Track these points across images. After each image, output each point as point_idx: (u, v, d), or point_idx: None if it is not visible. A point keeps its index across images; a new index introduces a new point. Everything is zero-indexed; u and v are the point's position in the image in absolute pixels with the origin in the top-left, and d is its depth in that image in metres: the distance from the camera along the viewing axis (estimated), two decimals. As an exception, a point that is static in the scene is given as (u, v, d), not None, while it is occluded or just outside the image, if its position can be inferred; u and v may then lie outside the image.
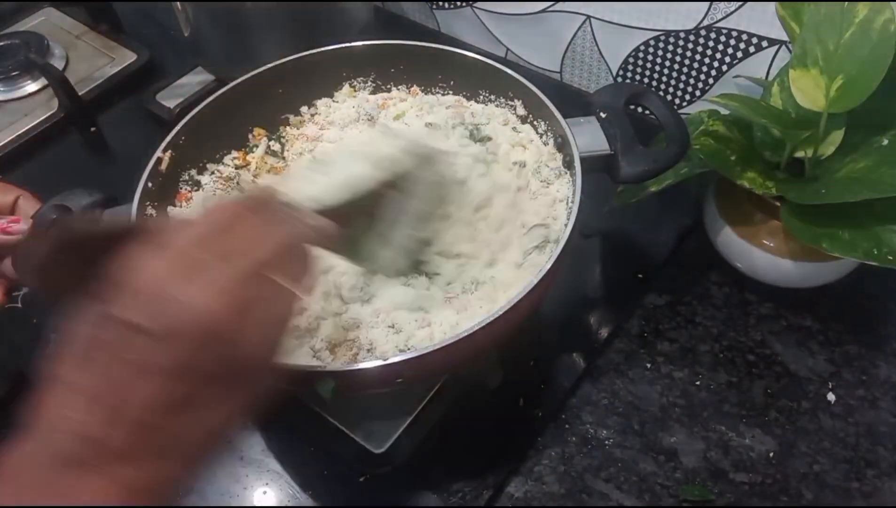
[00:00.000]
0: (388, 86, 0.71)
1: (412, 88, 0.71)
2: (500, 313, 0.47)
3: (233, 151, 0.67)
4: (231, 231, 0.35)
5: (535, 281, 0.49)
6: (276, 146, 0.69)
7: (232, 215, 0.35)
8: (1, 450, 0.31)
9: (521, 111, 0.66)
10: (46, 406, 0.32)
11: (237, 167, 0.67)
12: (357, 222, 0.48)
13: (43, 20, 1.02)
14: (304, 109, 0.71)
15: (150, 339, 0.31)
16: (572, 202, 0.55)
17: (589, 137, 0.58)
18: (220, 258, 0.33)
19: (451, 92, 0.70)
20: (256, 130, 0.68)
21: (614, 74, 0.84)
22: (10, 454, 0.31)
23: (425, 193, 0.51)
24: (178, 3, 0.80)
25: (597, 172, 0.59)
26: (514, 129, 0.66)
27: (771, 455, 0.57)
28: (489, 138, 0.64)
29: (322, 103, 0.71)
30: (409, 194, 0.50)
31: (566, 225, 0.52)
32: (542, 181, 0.61)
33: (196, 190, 0.64)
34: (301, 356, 0.52)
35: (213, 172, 0.66)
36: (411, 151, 0.50)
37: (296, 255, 0.37)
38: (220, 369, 0.33)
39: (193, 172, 0.65)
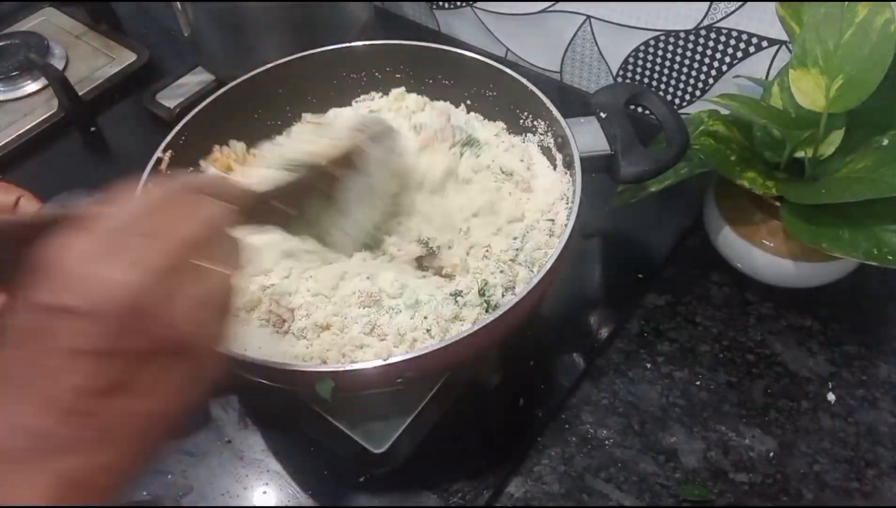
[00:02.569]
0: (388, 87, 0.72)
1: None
2: (501, 313, 0.47)
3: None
4: (156, 212, 0.35)
5: (535, 281, 0.49)
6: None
7: (158, 198, 0.35)
8: None
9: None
10: None
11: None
12: (313, 202, 0.49)
13: (43, 20, 1.02)
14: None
15: (76, 319, 0.30)
16: (572, 202, 0.55)
17: (589, 137, 0.59)
18: (143, 237, 0.33)
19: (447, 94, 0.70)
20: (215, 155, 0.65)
21: (614, 74, 0.84)
22: None
23: (379, 170, 0.52)
24: (178, 3, 0.80)
25: (597, 172, 0.59)
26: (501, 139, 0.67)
27: (771, 455, 0.57)
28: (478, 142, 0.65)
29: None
30: (364, 172, 0.51)
31: (566, 225, 0.52)
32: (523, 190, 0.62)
33: None
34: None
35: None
36: (363, 127, 0.51)
37: (222, 235, 0.37)
38: (151, 348, 0.32)
39: (193, 172, 0.65)
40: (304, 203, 0.48)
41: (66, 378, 0.30)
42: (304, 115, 0.70)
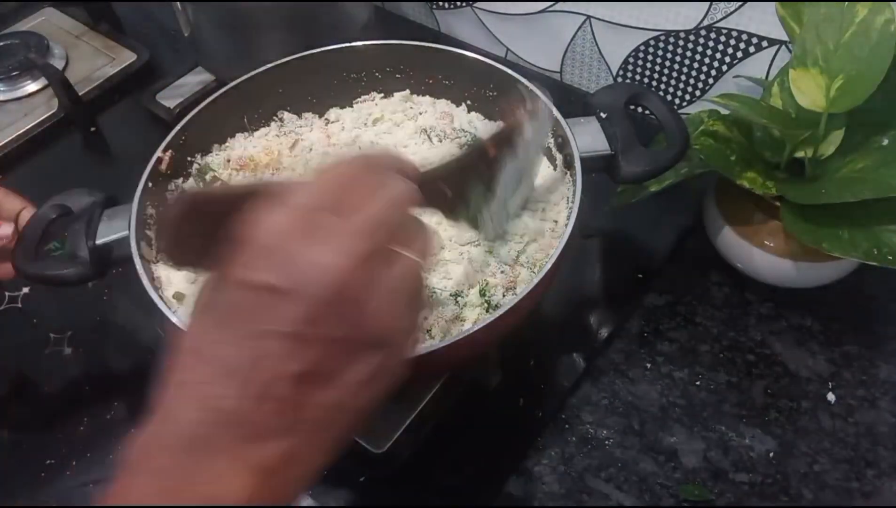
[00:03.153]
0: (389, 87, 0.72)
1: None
2: (501, 313, 0.47)
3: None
4: (349, 190, 0.33)
5: (536, 281, 0.49)
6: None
7: (348, 174, 0.34)
8: (133, 434, 0.30)
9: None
10: (177, 382, 0.30)
11: (240, 168, 0.67)
12: (471, 184, 0.47)
13: (43, 20, 1.02)
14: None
15: (279, 299, 0.29)
16: (572, 202, 0.55)
17: (589, 137, 0.59)
18: (336, 214, 0.31)
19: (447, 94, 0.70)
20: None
21: (614, 74, 0.84)
22: (138, 437, 0.30)
23: (528, 152, 0.49)
24: (178, 3, 0.80)
25: (597, 172, 0.59)
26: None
27: (771, 455, 0.57)
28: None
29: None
30: (516, 154, 0.48)
31: (566, 225, 0.52)
32: None
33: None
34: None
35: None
36: (524, 100, 0.48)
37: (411, 217, 0.35)
38: (350, 336, 0.31)
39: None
40: (463, 185, 0.46)
41: (264, 363, 0.29)
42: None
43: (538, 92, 0.55)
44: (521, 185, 0.50)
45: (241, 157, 0.67)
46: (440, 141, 0.67)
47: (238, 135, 0.69)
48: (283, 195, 0.32)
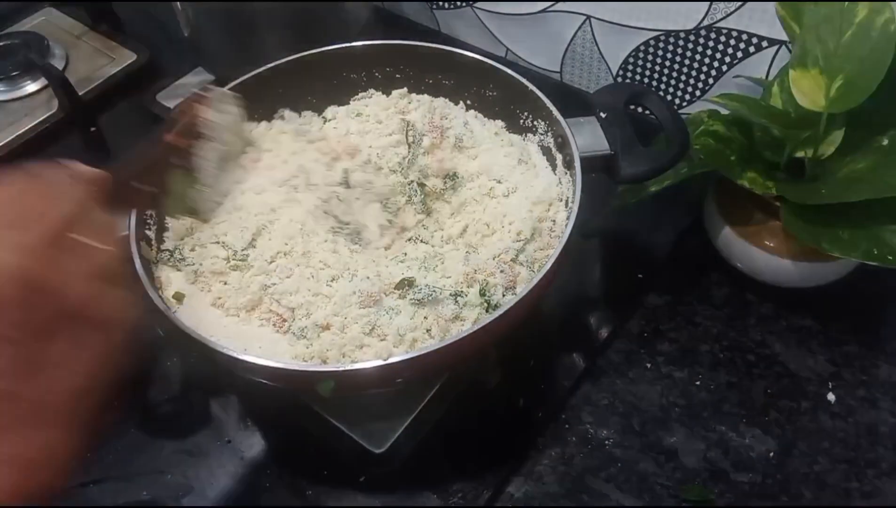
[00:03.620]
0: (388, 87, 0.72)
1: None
2: (500, 313, 0.47)
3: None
4: (23, 198, 0.36)
5: (536, 281, 0.49)
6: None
7: (21, 184, 0.37)
8: None
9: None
10: None
11: None
12: (174, 177, 0.51)
13: (43, 20, 1.02)
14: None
15: None
16: (572, 202, 0.55)
17: (589, 137, 0.59)
18: (15, 228, 0.34)
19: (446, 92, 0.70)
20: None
21: (614, 74, 0.84)
22: None
23: (225, 134, 0.55)
24: (178, 3, 0.80)
25: (597, 172, 0.59)
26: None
27: (771, 455, 0.57)
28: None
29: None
30: (214, 139, 0.54)
31: (566, 225, 0.52)
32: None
33: None
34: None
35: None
36: (204, 97, 0.54)
37: (93, 212, 0.39)
38: (51, 320, 0.34)
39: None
40: (163, 180, 0.50)
41: None
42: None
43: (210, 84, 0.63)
44: (230, 164, 0.56)
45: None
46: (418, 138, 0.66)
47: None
48: None
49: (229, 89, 0.65)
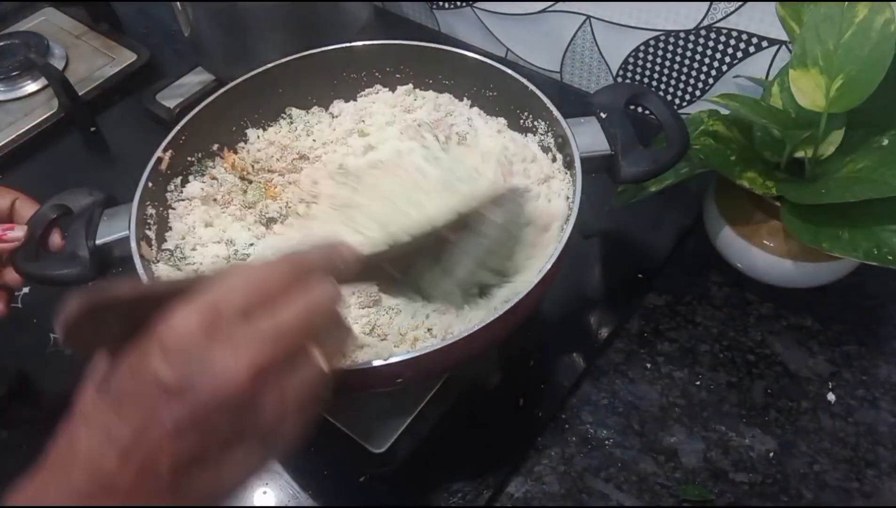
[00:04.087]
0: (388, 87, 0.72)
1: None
2: (501, 313, 0.47)
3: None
4: (262, 290, 0.34)
5: (535, 281, 0.49)
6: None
7: (269, 274, 0.34)
8: (22, 476, 0.32)
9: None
10: (75, 446, 0.32)
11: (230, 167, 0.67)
12: (419, 263, 0.47)
13: (43, 20, 1.02)
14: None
15: (169, 396, 0.31)
16: (572, 202, 0.55)
17: (589, 137, 0.59)
18: (244, 318, 0.32)
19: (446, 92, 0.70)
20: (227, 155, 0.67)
21: (614, 74, 0.84)
22: (26, 487, 0.32)
23: (496, 232, 0.50)
24: (178, 3, 0.80)
25: (597, 172, 0.59)
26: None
27: (771, 455, 0.57)
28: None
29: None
30: (480, 234, 0.49)
31: (566, 225, 0.52)
32: None
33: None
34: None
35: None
36: (482, 195, 0.49)
37: (332, 321, 0.36)
38: (238, 433, 0.32)
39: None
40: (410, 266, 0.46)
41: (145, 441, 0.31)
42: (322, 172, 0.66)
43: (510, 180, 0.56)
44: (484, 259, 0.51)
45: (241, 158, 0.67)
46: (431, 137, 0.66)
47: (250, 132, 0.69)
48: (198, 291, 0.33)
49: (229, 89, 0.65)
